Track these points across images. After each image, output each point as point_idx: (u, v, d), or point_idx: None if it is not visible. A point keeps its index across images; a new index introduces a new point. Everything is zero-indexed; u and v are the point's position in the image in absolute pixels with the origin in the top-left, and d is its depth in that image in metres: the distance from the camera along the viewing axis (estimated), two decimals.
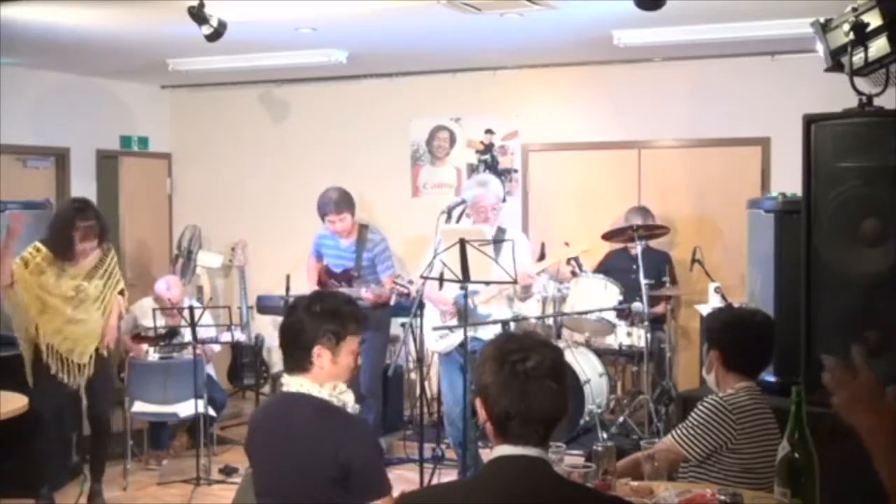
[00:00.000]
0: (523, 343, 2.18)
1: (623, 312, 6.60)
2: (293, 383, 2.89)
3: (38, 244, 5.46)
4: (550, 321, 6.74)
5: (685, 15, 5.82)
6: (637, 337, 6.59)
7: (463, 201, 5.83)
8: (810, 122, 3.93)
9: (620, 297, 6.49)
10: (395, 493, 2.79)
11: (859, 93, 3.86)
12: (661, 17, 5.13)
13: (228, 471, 6.31)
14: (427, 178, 8.30)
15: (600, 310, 6.37)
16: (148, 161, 9.03)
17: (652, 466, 3.04)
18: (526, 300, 6.04)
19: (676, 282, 6.98)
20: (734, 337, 3.35)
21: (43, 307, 5.46)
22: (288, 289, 6.82)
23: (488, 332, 5.22)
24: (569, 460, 3.39)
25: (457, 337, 5.48)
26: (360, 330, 2.96)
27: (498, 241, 5.38)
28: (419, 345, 5.87)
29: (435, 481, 5.52)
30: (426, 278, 5.43)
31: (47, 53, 7.15)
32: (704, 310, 5.71)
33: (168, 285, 6.95)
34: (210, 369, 6.98)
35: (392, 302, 6.33)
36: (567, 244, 6.12)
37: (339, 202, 6.35)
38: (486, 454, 2.25)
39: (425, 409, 6.77)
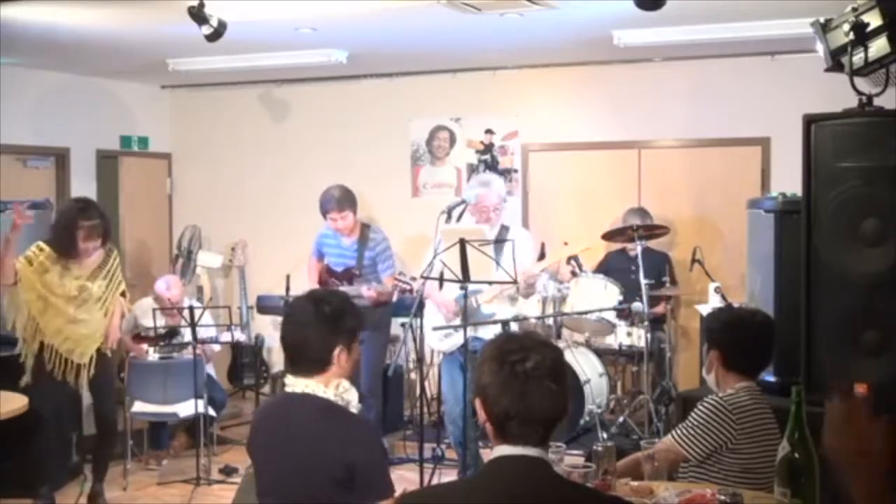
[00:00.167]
0: (523, 343, 2.17)
1: (623, 312, 6.60)
2: (299, 384, 2.87)
3: (42, 243, 5.47)
4: (550, 321, 6.74)
5: (685, 15, 5.82)
6: (637, 337, 6.59)
7: (463, 201, 5.84)
8: (810, 122, 3.94)
9: (620, 297, 6.49)
10: (396, 493, 2.80)
11: (859, 93, 3.86)
12: (661, 17, 5.13)
13: (228, 471, 6.31)
14: (427, 178, 8.30)
15: (600, 310, 6.37)
16: (148, 161, 9.03)
17: (652, 466, 3.04)
18: (529, 296, 6.04)
19: (676, 282, 6.99)
20: (734, 337, 3.35)
21: (45, 306, 5.46)
22: (288, 289, 6.82)
23: (490, 332, 5.22)
24: (569, 460, 3.39)
25: (460, 336, 5.48)
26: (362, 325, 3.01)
27: (500, 241, 5.39)
28: (419, 345, 5.87)
29: (435, 481, 5.52)
30: (426, 278, 5.43)
31: (47, 53, 7.14)
32: (704, 310, 5.71)
33: (168, 285, 6.95)
34: (210, 369, 6.98)
35: (394, 298, 6.33)
36: (566, 244, 6.12)
37: (341, 200, 6.36)
38: (487, 454, 2.25)
39: (425, 409, 6.76)
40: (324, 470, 2.78)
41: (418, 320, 5.68)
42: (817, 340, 3.92)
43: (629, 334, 6.64)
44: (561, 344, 6.59)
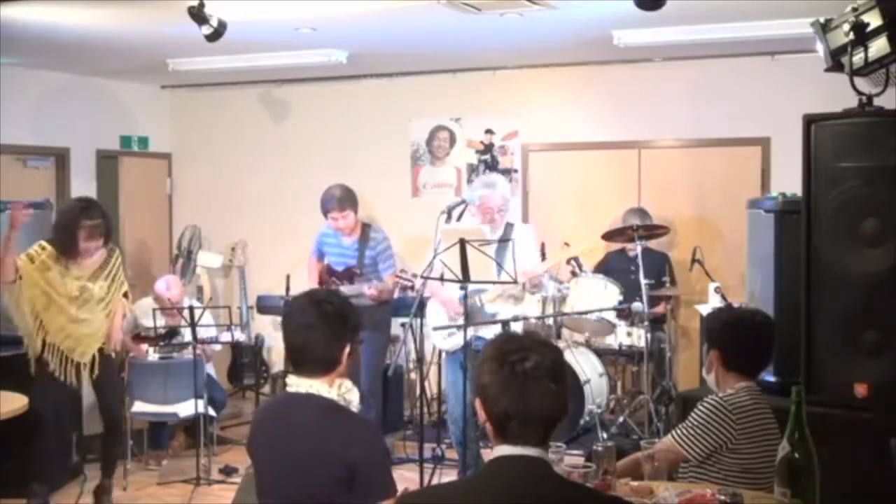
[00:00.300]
0: (522, 343, 2.17)
1: (623, 312, 6.60)
2: (303, 384, 2.87)
3: (44, 242, 5.47)
4: (550, 321, 6.74)
5: (685, 15, 5.82)
6: (637, 337, 6.59)
7: (463, 201, 5.85)
8: (810, 122, 3.94)
9: (620, 297, 6.49)
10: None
11: (859, 93, 3.87)
12: (661, 17, 5.13)
13: (228, 471, 6.31)
14: (427, 178, 8.30)
15: (600, 310, 6.37)
16: (148, 161, 9.03)
17: (652, 466, 3.04)
18: (535, 293, 6.06)
19: (675, 282, 6.99)
20: (734, 337, 3.35)
21: (48, 302, 5.46)
22: (288, 289, 6.81)
23: (493, 332, 5.23)
24: (569, 460, 3.39)
25: (462, 336, 5.50)
26: None
27: (504, 240, 5.40)
28: (419, 345, 5.87)
29: (435, 481, 5.52)
30: (426, 278, 5.44)
31: (47, 53, 7.14)
32: (704, 310, 5.71)
33: (168, 285, 6.95)
34: (210, 369, 6.98)
35: (396, 295, 6.33)
36: (567, 245, 6.13)
37: (342, 199, 6.36)
38: (488, 454, 2.25)
39: (425, 409, 6.76)
40: (325, 470, 2.78)
41: (418, 320, 5.68)
42: (817, 340, 3.92)
43: (629, 334, 6.64)
44: (561, 344, 6.60)
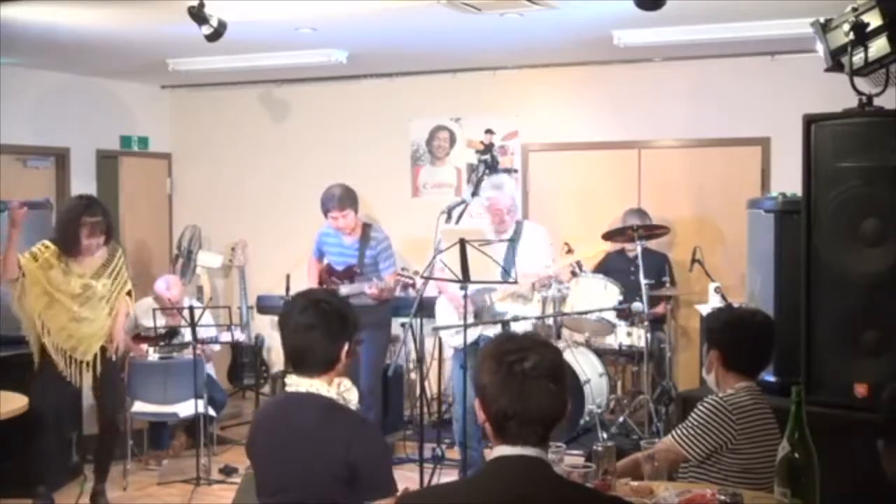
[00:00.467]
0: (521, 343, 2.17)
1: (623, 312, 6.60)
2: (303, 384, 2.88)
3: (47, 241, 5.49)
4: (550, 321, 6.74)
5: (685, 15, 5.82)
6: (637, 337, 6.59)
7: (463, 201, 5.87)
8: (810, 122, 3.94)
9: (620, 298, 6.49)
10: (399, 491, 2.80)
11: (859, 93, 3.87)
12: (661, 17, 5.13)
13: (228, 471, 6.31)
14: (427, 178, 8.30)
15: (600, 310, 6.37)
16: (148, 161, 9.03)
17: (652, 466, 3.04)
18: (544, 293, 6.10)
19: (675, 282, 6.99)
20: (734, 337, 3.35)
21: (50, 301, 5.47)
22: (288, 289, 6.81)
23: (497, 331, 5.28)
24: (569, 460, 3.39)
25: (473, 331, 5.53)
26: None
27: (510, 240, 5.44)
28: (419, 345, 5.87)
29: (435, 481, 5.52)
30: (427, 278, 5.45)
31: (47, 53, 7.14)
32: (704, 310, 5.71)
33: (168, 284, 6.95)
34: (210, 369, 6.98)
35: (397, 293, 6.33)
36: (570, 251, 6.15)
37: (342, 198, 6.36)
38: (490, 454, 2.25)
39: (425, 409, 6.76)
40: (326, 469, 2.78)
41: (418, 320, 5.68)
42: (817, 340, 3.93)
43: (629, 334, 6.64)
44: (561, 344, 6.60)
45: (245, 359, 8.12)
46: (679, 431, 3.27)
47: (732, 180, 7.25)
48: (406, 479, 5.57)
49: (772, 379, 4.10)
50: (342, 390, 2.90)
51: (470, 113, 8.12)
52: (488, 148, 8.10)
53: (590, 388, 6.44)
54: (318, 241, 6.65)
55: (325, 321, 2.85)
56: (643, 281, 6.42)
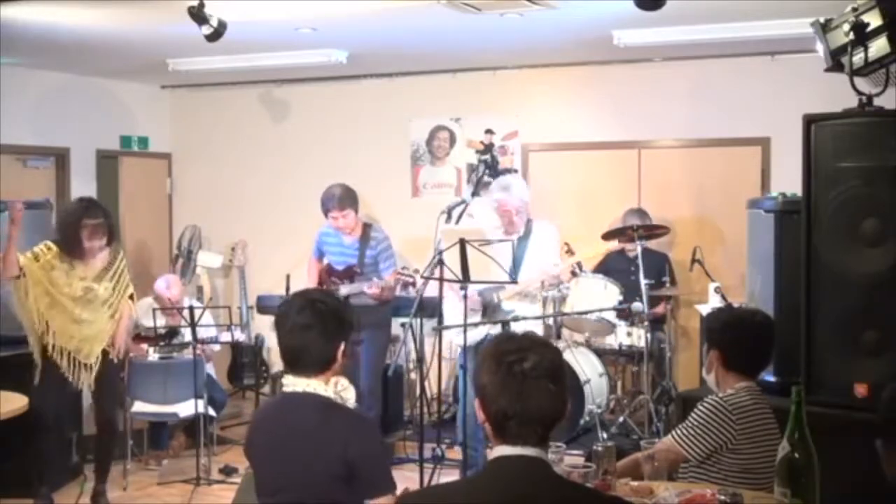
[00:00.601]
0: (521, 343, 2.17)
1: (623, 312, 6.59)
2: (300, 384, 2.88)
3: (49, 243, 5.49)
4: (550, 321, 6.73)
5: (685, 15, 5.82)
6: (637, 337, 6.59)
7: (463, 201, 5.87)
8: (810, 122, 3.94)
9: (620, 297, 6.48)
10: (398, 489, 2.81)
11: (859, 93, 3.87)
12: (661, 17, 5.13)
13: (228, 471, 6.31)
14: (427, 178, 8.30)
15: (600, 310, 6.37)
16: (148, 161, 9.03)
17: (652, 466, 3.04)
18: (552, 290, 6.12)
19: (675, 282, 6.99)
20: (734, 337, 3.35)
21: (52, 302, 5.47)
22: (288, 289, 6.80)
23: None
24: (569, 460, 3.39)
25: (480, 330, 5.52)
26: None
27: (520, 239, 5.46)
28: (419, 345, 5.87)
29: (435, 481, 5.52)
30: (427, 278, 5.45)
31: (47, 53, 7.14)
32: (704, 310, 5.71)
33: (168, 284, 6.95)
34: (210, 369, 6.98)
35: (398, 291, 6.34)
36: (571, 252, 6.15)
37: (342, 198, 6.36)
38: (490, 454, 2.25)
39: (425, 409, 6.76)
40: (325, 467, 2.79)
41: (418, 320, 5.68)
42: (817, 340, 3.93)
43: (629, 334, 6.64)
44: (561, 344, 6.60)
45: (245, 359, 8.12)
46: (679, 431, 3.27)
47: (732, 180, 7.25)
48: (406, 479, 5.58)
49: (772, 379, 4.10)
50: (339, 389, 2.91)
51: (470, 113, 8.12)
52: (488, 148, 8.10)
53: (590, 388, 6.44)
54: (318, 240, 6.65)
55: (321, 321, 2.86)
56: (643, 281, 6.42)
